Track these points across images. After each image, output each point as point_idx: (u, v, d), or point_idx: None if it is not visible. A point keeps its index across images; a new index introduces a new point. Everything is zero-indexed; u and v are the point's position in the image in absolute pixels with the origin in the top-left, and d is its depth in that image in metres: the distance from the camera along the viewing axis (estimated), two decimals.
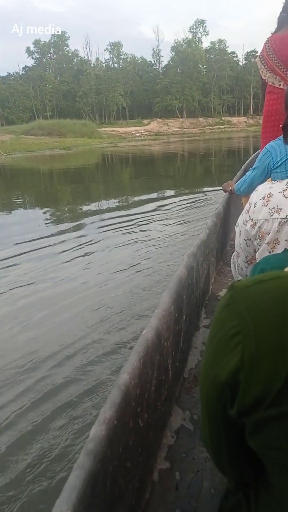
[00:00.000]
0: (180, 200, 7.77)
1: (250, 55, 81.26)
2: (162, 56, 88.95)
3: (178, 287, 1.58)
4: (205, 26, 79.20)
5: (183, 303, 1.66)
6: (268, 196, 1.37)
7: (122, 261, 4.44)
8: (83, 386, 2.30)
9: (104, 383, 2.30)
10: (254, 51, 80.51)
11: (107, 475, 0.80)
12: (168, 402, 1.43)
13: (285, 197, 1.34)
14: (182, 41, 77.36)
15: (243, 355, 0.50)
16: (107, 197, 9.64)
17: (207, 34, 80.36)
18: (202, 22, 78.98)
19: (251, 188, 2.55)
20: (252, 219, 1.41)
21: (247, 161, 5.16)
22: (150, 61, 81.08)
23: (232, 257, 2.06)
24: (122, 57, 77.35)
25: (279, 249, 1.35)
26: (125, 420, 0.93)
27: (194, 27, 78.51)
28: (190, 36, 77.94)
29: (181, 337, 1.61)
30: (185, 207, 7.12)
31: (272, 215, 1.35)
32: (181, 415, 1.52)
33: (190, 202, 7.48)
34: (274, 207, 1.34)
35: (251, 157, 5.58)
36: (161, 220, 6.26)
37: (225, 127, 62.20)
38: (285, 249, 1.16)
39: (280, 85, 3.16)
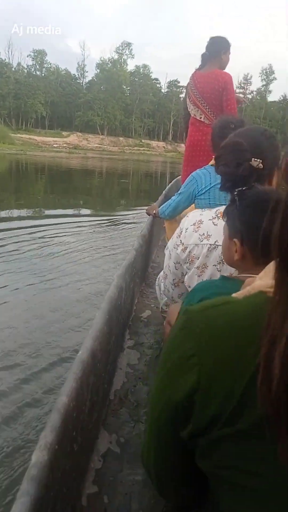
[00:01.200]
0: (96, 219, 7.73)
1: (172, 84, 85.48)
2: (87, 72, 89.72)
3: (110, 307, 1.61)
4: (131, 49, 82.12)
5: (113, 323, 1.67)
6: (199, 222, 1.47)
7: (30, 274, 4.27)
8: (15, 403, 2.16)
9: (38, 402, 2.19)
10: (176, 81, 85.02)
11: (49, 501, 0.80)
12: (96, 425, 1.43)
13: (214, 225, 1.44)
14: (107, 59, 79.22)
15: (200, 376, 0.52)
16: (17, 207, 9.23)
17: (133, 57, 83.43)
18: (128, 44, 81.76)
19: (175, 212, 2.67)
20: (183, 244, 1.49)
21: (167, 187, 5.41)
22: (74, 74, 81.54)
23: (157, 278, 2.12)
24: (45, 65, 76.64)
25: (207, 273, 1.44)
26: (64, 444, 0.92)
27: (121, 48, 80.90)
28: (116, 57, 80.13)
29: (109, 358, 1.62)
30: (100, 226, 7.12)
31: (202, 240, 1.45)
32: (107, 438, 1.52)
33: (106, 222, 7.48)
34: (204, 233, 1.44)
35: (171, 183, 5.86)
36: (71, 236, 6.16)
37: (144, 150, 64.26)
38: (221, 276, 1.23)
39: (201, 118, 3.42)
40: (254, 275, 1.11)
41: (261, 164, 1.28)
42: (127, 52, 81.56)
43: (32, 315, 3.23)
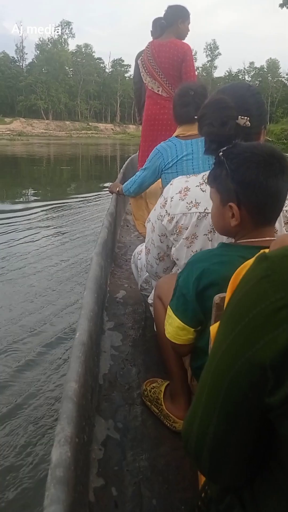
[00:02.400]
0: (47, 205, 7.53)
1: (117, 63, 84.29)
2: (26, 54, 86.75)
3: (95, 287, 1.54)
4: (71, 28, 79.88)
5: (98, 304, 1.60)
6: (185, 190, 1.40)
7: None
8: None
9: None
10: (121, 59, 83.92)
11: (75, 504, 0.73)
12: (92, 412, 1.35)
13: (202, 191, 1.37)
14: (47, 40, 76.61)
15: None
16: None
17: (74, 37, 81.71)
18: (68, 23, 79.47)
19: (141, 188, 2.61)
20: (169, 214, 1.41)
21: (124, 165, 5.28)
22: (13, 57, 78.40)
23: (132, 256, 2.06)
24: None
25: (197, 244, 1.38)
26: (80, 436, 0.86)
27: (60, 27, 78.47)
28: (56, 36, 77.68)
29: (94, 341, 1.54)
30: (53, 210, 6.95)
31: (190, 209, 1.37)
32: (104, 425, 1.45)
33: (58, 207, 7.30)
34: (191, 201, 1.37)
35: (127, 161, 5.72)
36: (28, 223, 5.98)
37: (92, 133, 63.07)
38: (220, 243, 1.16)
39: (158, 91, 3.32)
40: (257, 239, 1.09)
41: (248, 121, 1.22)
42: (67, 31, 79.47)
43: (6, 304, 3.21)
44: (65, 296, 3.40)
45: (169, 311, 1.20)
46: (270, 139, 30.24)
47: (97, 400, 1.56)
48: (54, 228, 5.76)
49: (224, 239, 1.29)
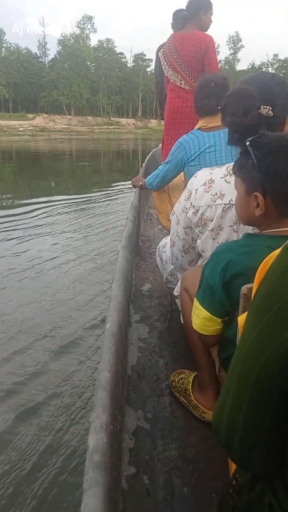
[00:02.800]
0: (71, 199, 7.62)
1: (138, 57, 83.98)
2: (49, 49, 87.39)
3: (123, 279, 1.56)
4: (93, 23, 79.91)
5: (125, 296, 1.63)
6: (210, 182, 1.40)
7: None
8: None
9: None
10: (142, 54, 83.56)
11: (112, 488, 0.76)
12: (122, 402, 1.38)
13: (227, 182, 1.37)
14: (69, 35, 76.97)
15: None
16: None
17: (95, 32, 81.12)
18: (90, 18, 79.50)
19: (164, 182, 2.60)
20: (194, 206, 1.42)
21: (146, 159, 5.30)
22: (35, 53, 79.14)
23: (157, 249, 2.07)
24: (4, 45, 74.00)
25: (222, 236, 1.38)
26: (114, 424, 0.89)
27: (82, 22, 78.68)
28: (78, 32, 77.95)
29: (123, 333, 1.57)
30: (76, 204, 7.04)
31: (215, 201, 1.37)
32: (134, 415, 1.47)
33: (81, 202, 7.37)
34: (216, 193, 1.37)
35: (149, 155, 5.75)
36: (52, 217, 6.08)
37: (113, 128, 63.21)
38: (245, 234, 1.16)
39: (181, 84, 3.27)
40: (283, 228, 1.09)
41: (270, 111, 1.22)
42: (89, 26, 79.54)
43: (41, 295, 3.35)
44: (93, 288, 3.48)
45: (196, 303, 1.20)
46: None
47: (127, 390, 1.58)
48: (77, 221, 5.83)
49: (250, 229, 1.30)
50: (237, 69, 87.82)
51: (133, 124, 71.84)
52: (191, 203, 1.44)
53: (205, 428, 1.43)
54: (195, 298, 1.21)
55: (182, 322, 1.64)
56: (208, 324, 1.18)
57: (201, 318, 1.18)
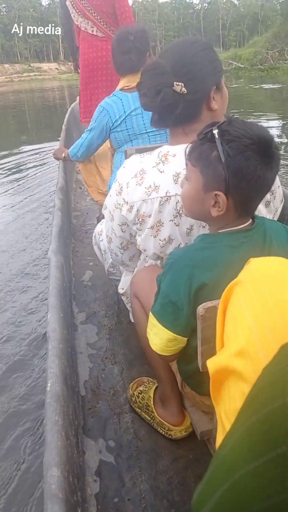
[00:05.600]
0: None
1: None
2: None
3: (57, 290, 1.38)
4: None
5: (64, 304, 1.44)
6: (141, 173, 1.22)
7: None
8: None
9: None
10: None
11: None
12: (79, 438, 1.22)
13: (160, 172, 1.20)
14: None
15: None
16: None
17: None
18: None
19: (89, 151, 2.45)
20: (127, 202, 1.25)
21: (65, 121, 4.73)
22: None
23: (93, 237, 1.87)
24: None
25: (164, 232, 1.23)
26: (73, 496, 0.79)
27: None
28: None
29: (69, 346, 1.39)
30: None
31: (150, 194, 1.20)
32: (94, 447, 1.32)
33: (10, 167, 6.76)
34: (150, 185, 1.20)
35: (67, 115, 5.11)
36: None
37: (35, 75, 59.63)
38: (201, 235, 1.04)
39: (93, 31, 3.03)
40: (238, 227, 0.97)
41: (184, 88, 1.09)
42: None
43: None
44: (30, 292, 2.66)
45: (153, 320, 1.03)
46: (242, 65, 28.07)
47: (83, 418, 1.43)
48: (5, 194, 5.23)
49: (193, 221, 1.19)
50: (160, 1, 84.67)
51: (56, 69, 68.20)
52: (123, 198, 1.25)
53: (173, 446, 1.32)
54: (151, 314, 1.04)
55: (132, 320, 1.51)
56: (170, 344, 1.02)
57: (162, 340, 1.02)
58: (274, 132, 7.58)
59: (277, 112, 10.68)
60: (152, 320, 1.04)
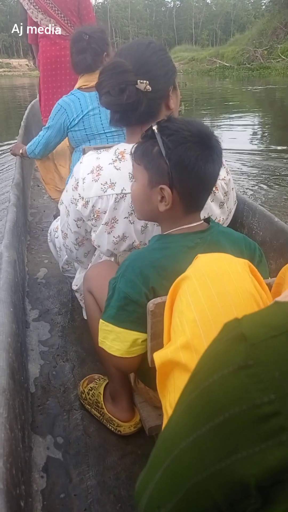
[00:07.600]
0: None
1: None
2: None
3: (10, 294, 1.34)
4: None
5: (16, 299, 1.44)
6: (98, 169, 1.25)
7: None
8: None
9: None
10: None
11: None
12: (25, 433, 1.20)
13: (117, 169, 1.24)
14: None
15: None
16: None
17: None
18: None
19: (47, 149, 2.46)
20: (83, 198, 1.27)
21: (24, 117, 4.67)
22: None
23: (48, 233, 1.88)
24: None
25: (118, 229, 1.28)
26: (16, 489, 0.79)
27: None
28: None
29: (19, 342, 1.37)
30: None
31: (106, 191, 1.24)
32: (42, 444, 1.33)
33: None
34: (106, 182, 1.24)
35: (27, 111, 5.07)
36: None
37: (4, 71, 58.64)
38: (157, 236, 1.06)
39: (55, 29, 3.01)
40: (191, 224, 1.00)
41: (148, 85, 1.14)
42: None
43: None
44: None
45: (108, 327, 1.01)
46: (227, 64, 27.26)
47: (32, 414, 1.42)
48: None
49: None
50: None
51: (26, 65, 67.08)
52: (79, 194, 1.28)
53: (122, 443, 1.33)
54: (103, 322, 1.02)
55: (85, 318, 1.51)
56: (135, 344, 1.01)
57: (126, 342, 1.00)
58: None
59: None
60: (105, 327, 1.02)
